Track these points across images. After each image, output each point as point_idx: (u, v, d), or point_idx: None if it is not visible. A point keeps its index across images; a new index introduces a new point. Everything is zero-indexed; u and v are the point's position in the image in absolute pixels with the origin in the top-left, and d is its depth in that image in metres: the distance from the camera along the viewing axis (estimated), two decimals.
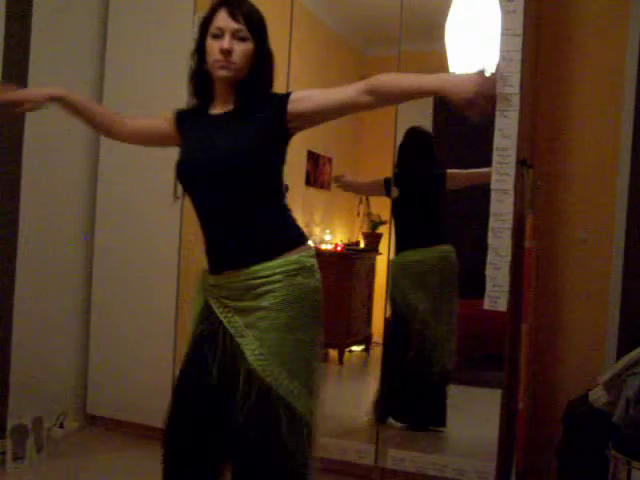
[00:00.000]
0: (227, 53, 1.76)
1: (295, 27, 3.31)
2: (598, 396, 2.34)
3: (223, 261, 1.80)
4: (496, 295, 2.70)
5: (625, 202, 2.91)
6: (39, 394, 3.16)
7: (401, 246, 3.38)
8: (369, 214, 4.03)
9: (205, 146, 1.80)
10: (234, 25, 1.77)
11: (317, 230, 4.17)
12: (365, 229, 4.09)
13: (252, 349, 1.72)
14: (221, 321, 1.78)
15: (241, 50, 1.77)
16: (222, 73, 1.78)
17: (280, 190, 1.87)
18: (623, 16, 2.91)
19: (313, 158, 4.09)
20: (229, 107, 1.84)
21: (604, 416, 2.27)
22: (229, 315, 1.78)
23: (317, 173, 4.13)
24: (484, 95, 1.68)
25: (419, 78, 1.73)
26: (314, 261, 1.85)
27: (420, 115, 3.59)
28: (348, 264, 4.01)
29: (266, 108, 1.80)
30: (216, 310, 1.80)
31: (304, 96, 1.79)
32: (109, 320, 3.41)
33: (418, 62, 3.46)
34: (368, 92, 1.74)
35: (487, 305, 2.71)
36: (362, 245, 4.14)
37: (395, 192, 3.29)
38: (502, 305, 2.69)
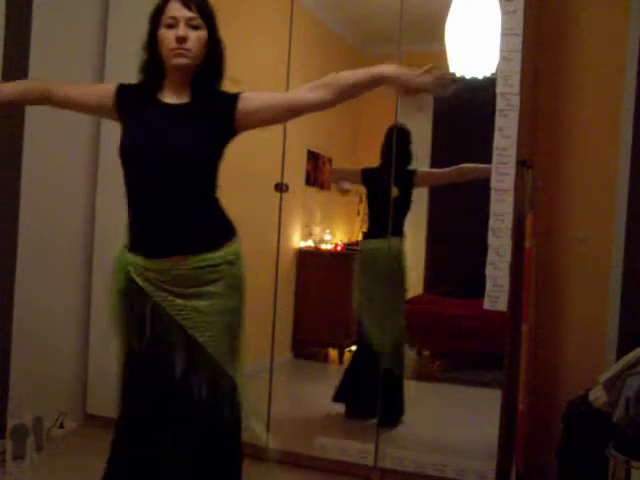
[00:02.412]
0: (182, 40, 1.81)
1: (295, 27, 3.31)
2: (598, 396, 2.34)
3: (167, 247, 1.84)
4: (496, 295, 2.70)
5: (625, 202, 2.91)
6: (39, 394, 3.16)
7: (365, 235, 3.63)
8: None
9: (160, 136, 1.83)
10: (188, 14, 1.82)
11: (317, 230, 4.17)
12: (365, 229, 4.09)
13: (202, 331, 1.82)
14: (155, 302, 1.83)
15: (196, 37, 1.83)
16: (179, 61, 1.83)
17: (216, 184, 1.94)
18: (623, 16, 2.91)
19: (313, 158, 4.09)
20: (183, 98, 1.89)
21: (604, 416, 2.27)
22: (168, 298, 1.83)
23: (317, 173, 4.13)
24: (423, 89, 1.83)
25: (368, 68, 1.81)
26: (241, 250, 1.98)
27: (420, 115, 3.59)
28: (348, 264, 4.01)
29: (218, 106, 1.87)
30: (150, 291, 1.83)
31: (253, 96, 1.88)
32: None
33: (418, 62, 3.46)
34: (320, 87, 1.82)
35: (487, 305, 2.72)
36: None
37: (395, 191, 3.29)
38: (502, 305, 2.69)
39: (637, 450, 2.13)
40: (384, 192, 3.29)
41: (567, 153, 3.01)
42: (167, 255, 1.83)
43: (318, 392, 3.89)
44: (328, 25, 4.07)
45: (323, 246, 4.14)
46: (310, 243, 4.15)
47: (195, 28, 1.83)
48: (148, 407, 1.87)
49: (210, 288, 1.85)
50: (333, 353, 4.12)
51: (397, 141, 3.25)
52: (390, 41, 3.17)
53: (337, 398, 3.50)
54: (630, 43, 2.89)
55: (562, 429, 2.52)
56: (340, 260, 4.03)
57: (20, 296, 3.06)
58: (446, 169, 3.41)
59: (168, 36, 1.82)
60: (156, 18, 1.86)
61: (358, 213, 4.11)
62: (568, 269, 3.00)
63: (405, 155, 3.42)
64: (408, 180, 3.43)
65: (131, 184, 1.88)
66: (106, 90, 1.95)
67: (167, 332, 1.84)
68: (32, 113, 2.99)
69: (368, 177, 3.59)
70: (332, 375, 4.15)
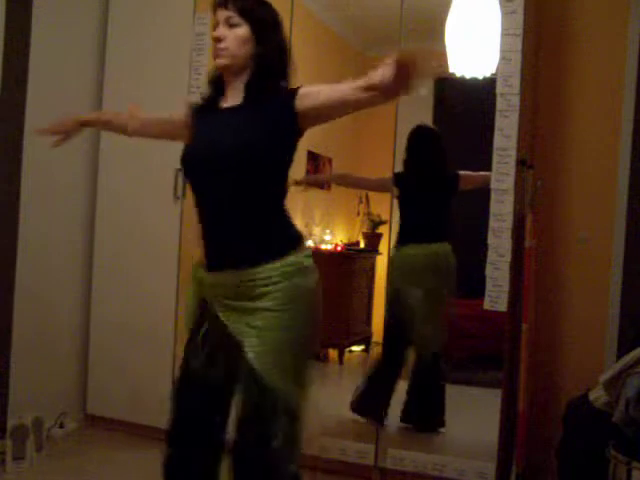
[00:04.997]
0: (218, 40, 1.77)
1: (295, 27, 3.31)
2: (598, 396, 2.33)
3: (223, 259, 1.78)
4: (496, 295, 2.70)
5: (625, 202, 2.91)
6: (39, 394, 3.16)
7: (401, 241, 3.36)
8: (369, 214, 4.03)
9: (210, 141, 1.78)
10: (225, 13, 1.79)
11: (317, 230, 4.17)
12: (365, 229, 4.09)
13: (252, 346, 1.72)
14: (217, 317, 1.79)
15: (233, 35, 1.77)
16: (218, 62, 1.80)
17: (284, 191, 1.84)
18: (623, 16, 2.92)
19: (313, 158, 4.09)
20: (237, 101, 1.81)
21: (604, 416, 2.26)
22: (227, 313, 1.78)
23: (317, 173, 4.13)
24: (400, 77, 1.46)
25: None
26: (311, 261, 1.82)
27: (420, 115, 3.59)
28: (348, 264, 4.01)
29: (274, 103, 1.76)
30: (216, 308, 1.80)
31: (312, 91, 1.72)
32: (109, 320, 3.41)
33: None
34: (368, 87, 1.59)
35: (487, 305, 2.72)
36: (362, 245, 4.14)
37: (395, 191, 3.29)
38: (502, 305, 2.69)
39: (637, 450, 2.13)
40: (423, 197, 3.28)
41: (567, 153, 3.01)
42: (223, 269, 1.77)
43: (318, 392, 3.88)
44: (329, 25, 4.07)
45: (323, 246, 4.14)
46: (310, 243, 4.15)
47: (233, 26, 1.77)
48: (194, 421, 1.86)
49: (261, 304, 1.73)
50: (333, 353, 4.11)
51: (432, 144, 3.31)
52: (390, 41, 3.17)
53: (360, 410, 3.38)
54: (630, 43, 2.89)
55: (562, 429, 2.52)
56: (340, 260, 4.03)
57: (20, 295, 3.06)
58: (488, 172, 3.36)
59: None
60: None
61: (358, 213, 4.11)
62: (568, 269, 3.00)
63: (442, 158, 3.38)
64: (452, 184, 3.37)
65: (193, 197, 1.84)
66: (185, 113, 1.96)
67: (223, 349, 1.81)
68: (32, 121, 3.00)
69: (402, 182, 3.40)
70: (332, 375, 4.15)
